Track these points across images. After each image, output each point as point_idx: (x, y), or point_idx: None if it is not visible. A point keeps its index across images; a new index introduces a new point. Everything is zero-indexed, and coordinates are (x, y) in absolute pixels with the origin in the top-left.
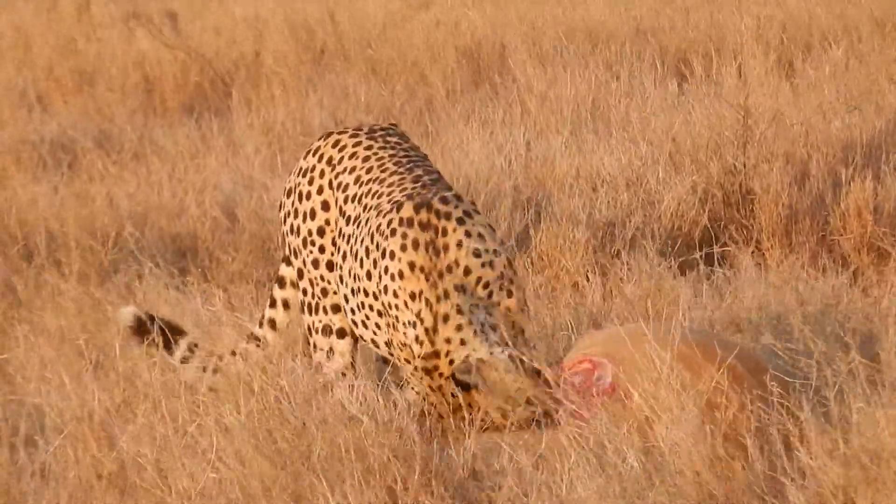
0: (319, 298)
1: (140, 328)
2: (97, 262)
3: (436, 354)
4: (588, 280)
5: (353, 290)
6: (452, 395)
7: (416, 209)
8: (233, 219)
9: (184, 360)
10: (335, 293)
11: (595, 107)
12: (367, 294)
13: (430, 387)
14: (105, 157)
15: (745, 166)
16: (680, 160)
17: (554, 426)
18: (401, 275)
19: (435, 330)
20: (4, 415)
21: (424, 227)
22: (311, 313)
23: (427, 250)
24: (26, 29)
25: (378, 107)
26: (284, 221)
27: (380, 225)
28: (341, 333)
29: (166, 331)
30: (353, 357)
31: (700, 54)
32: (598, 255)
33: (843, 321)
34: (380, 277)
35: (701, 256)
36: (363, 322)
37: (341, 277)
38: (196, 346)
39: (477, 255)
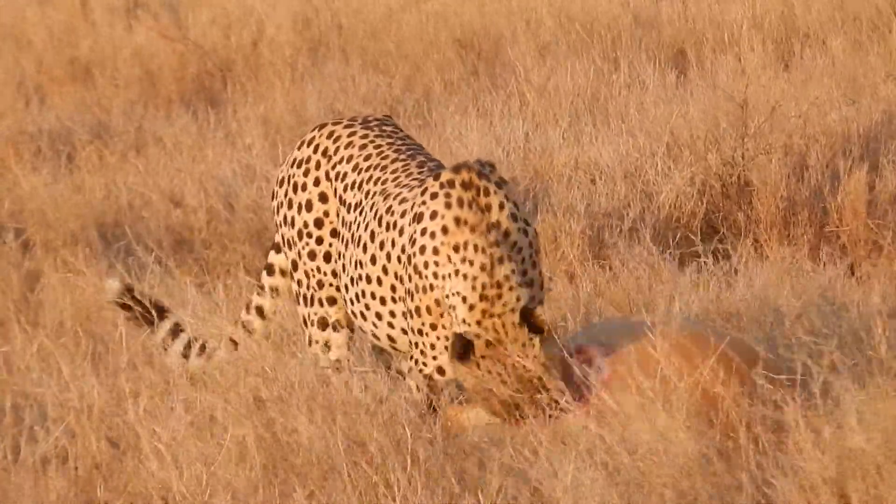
0: (315, 290)
1: (125, 303)
2: (95, 254)
3: (497, 285)
4: (585, 271)
5: (352, 279)
6: (512, 325)
7: (456, 170)
8: (231, 210)
9: (167, 341)
10: (331, 285)
11: (593, 98)
12: (368, 281)
13: (487, 312)
14: (103, 149)
15: (743, 158)
16: (678, 152)
17: (555, 417)
18: (444, 230)
19: (492, 266)
20: (4, 406)
21: (466, 186)
22: (306, 305)
23: (471, 207)
24: (24, 19)
25: (376, 98)
26: (277, 211)
27: (390, 206)
28: (337, 326)
29: (150, 309)
30: (348, 349)
31: (698, 46)
32: (595, 246)
33: (840, 313)
34: (412, 242)
35: (698, 248)
36: (362, 313)
37: (344, 266)
38: (180, 328)
39: (514, 219)
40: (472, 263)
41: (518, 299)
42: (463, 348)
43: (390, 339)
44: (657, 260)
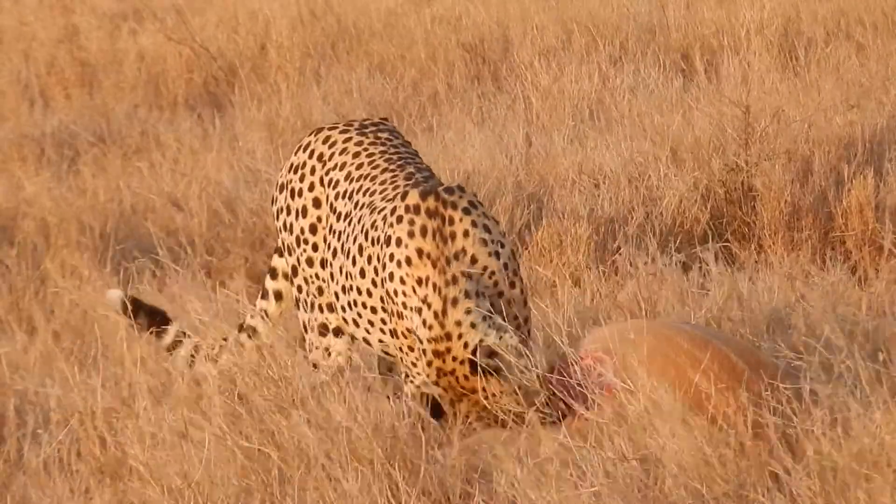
0: (314, 297)
1: (126, 312)
2: (98, 257)
3: (447, 337)
4: (589, 277)
5: (343, 288)
6: (465, 377)
7: (423, 196)
8: (234, 213)
9: (172, 347)
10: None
11: (598, 103)
12: (359, 292)
13: (441, 371)
14: (107, 152)
15: (746, 163)
16: (682, 157)
17: (556, 424)
18: (408, 261)
19: (444, 313)
20: (7, 409)
21: (431, 214)
22: (306, 310)
23: (434, 237)
24: (29, 22)
25: (381, 101)
26: (277, 217)
27: (374, 221)
28: (337, 332)
29: (154, 316)
30: (349, 355)
31: (703, 51)
32: (599, 251)
33: (845, 318)
34: (383, 267)
35: (702, 253)
36: (354, 320)
37: (332, 275)
38: (185, 334)
39: (483, 244)
40: (429, 306)
41: (466, 346)
42: (433, 410)
43: (383, 343)
44: (662, 265)
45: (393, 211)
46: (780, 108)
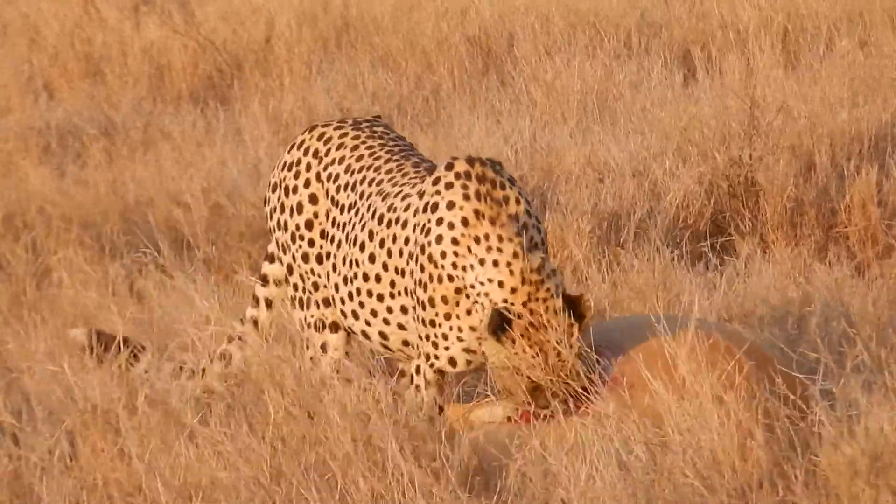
0: (311, 293)
1: (96, 345)
2: (101, 250)
3: (539, 270)
4: (593, 271)
5: (346, 279)
6: (555, 311)
7: (471, 163)
8: (238, 207)
9: (147, 372)
10: (325, 287)
11: (602, 97)
12: (366, 279)
13: (532, 296)
14: (111, 145)
15: (750, 158)
16: (686, 151)
17: (565, 416)
18: (465, 222)
19: (526, 254)
20: (6, 405)
21: (481, 179)
22: (302, 308)
23: (485, 200)
24: (34, 15)
25: (385, 95)
26: (271, 217)
27: (392, 204)
28: (334, 328)
29: (130, 347)
30: (346, 351)
31: (707, 45)
32: (603, 245)
33: (848, 313)
34: (426, 232)
35: (706, 247)
36: (354, 311)
37: (334, 266)
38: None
39: (528, 215)
40: (501, 251)
41: (558, 286)
42: (501, 323)
43: (382, 336)
44: (666, 260)
45: (437, 180)
46: (784, 102)
